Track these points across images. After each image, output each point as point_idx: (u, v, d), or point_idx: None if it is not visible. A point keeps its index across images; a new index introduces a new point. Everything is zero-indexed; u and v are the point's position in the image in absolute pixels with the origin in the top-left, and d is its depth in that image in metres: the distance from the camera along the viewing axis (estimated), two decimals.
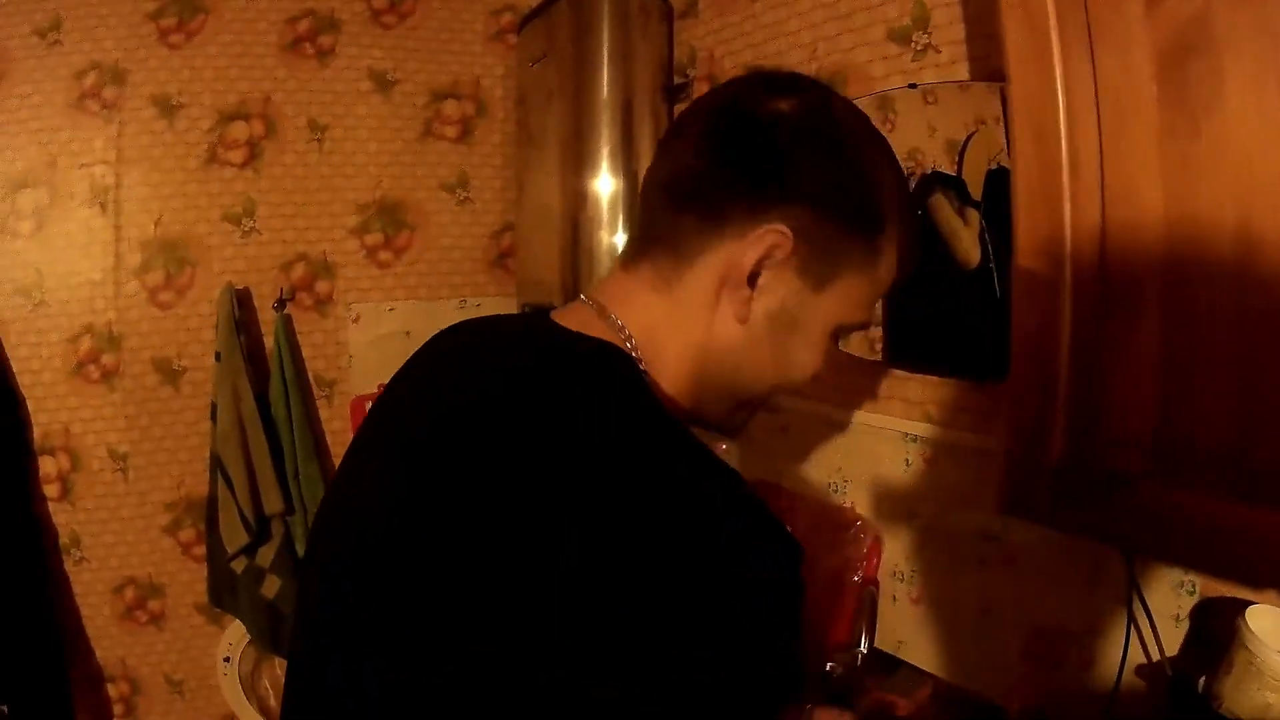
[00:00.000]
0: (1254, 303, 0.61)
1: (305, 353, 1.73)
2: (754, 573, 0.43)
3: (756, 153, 0.51)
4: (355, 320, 1.74)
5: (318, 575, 0.52)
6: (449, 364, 0.54)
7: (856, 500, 1.24)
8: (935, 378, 1.11)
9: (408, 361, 0.58)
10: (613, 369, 0.48)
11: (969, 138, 1.03)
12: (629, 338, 0.51)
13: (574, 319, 0.53)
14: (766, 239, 0.49)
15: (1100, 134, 0.70)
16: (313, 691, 0.50)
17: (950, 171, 1.05)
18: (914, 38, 1.12)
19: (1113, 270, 0.70)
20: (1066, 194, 0.72)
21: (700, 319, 0.52)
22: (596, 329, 0.51)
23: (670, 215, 0.52)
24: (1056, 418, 0.75)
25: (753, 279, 0.50)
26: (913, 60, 1.13)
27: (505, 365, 0.49)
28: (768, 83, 0.54)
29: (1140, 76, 0.66)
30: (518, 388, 0.46)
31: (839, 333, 0.56)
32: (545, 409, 0.44)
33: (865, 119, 0.56)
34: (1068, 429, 0.75)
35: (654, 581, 0.39)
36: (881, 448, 1.19)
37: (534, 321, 0.56)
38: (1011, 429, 0.81)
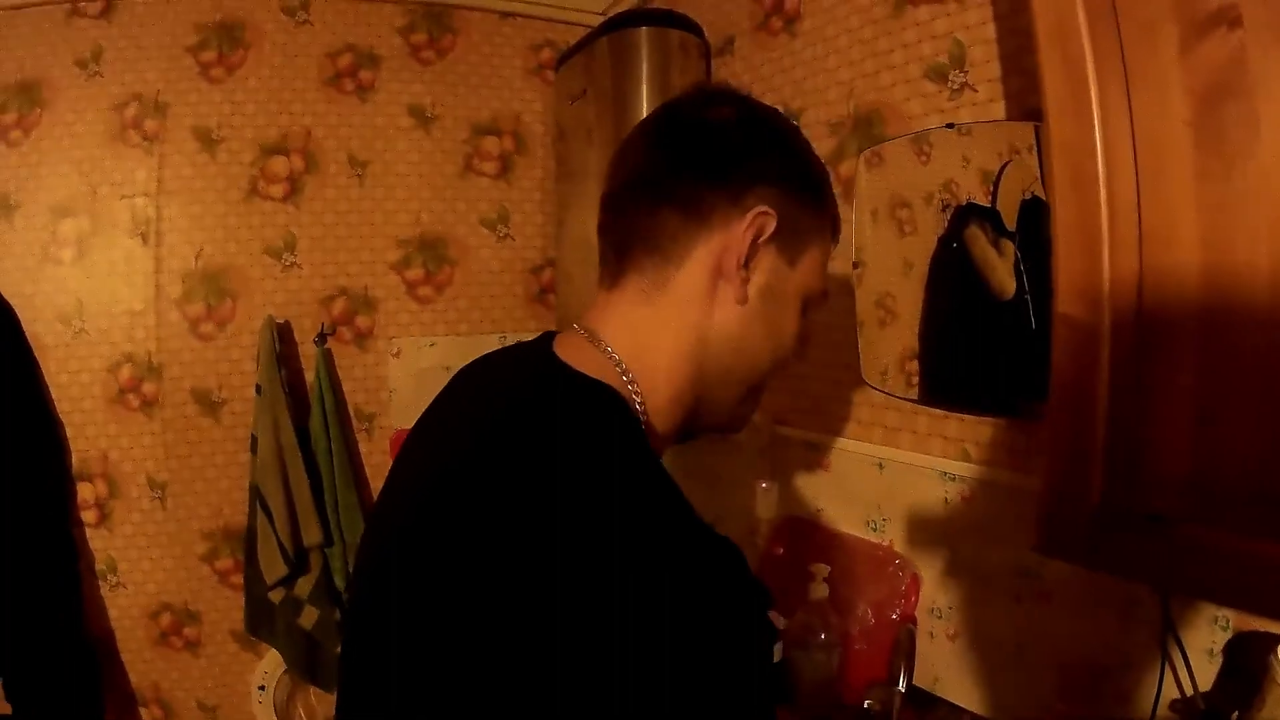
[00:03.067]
0: None
1: (346, 386, 1.75)
2: (722, 626, 0.43)
3: (718, 147, 0.55)
4: (396, 355, 1.76)
5: (349, 611, 0.56)
6: (454, 408, 0.57)
7: (895, 538, 1.25)
8: (972, 416, 1.12)
9: (433, 400, 0.61)
10: (597, 418, 0.49)
11: (1003, 168, 1.04)
12: (618, 362, 0.53)
13: (569, 349, 0.55)
14: (758, 221, 0.54)
15: (1137, 178, 0.70)
16: None
17: (985, 203, 1.06)
18: (950, 76, 1.14)
19: (1150, 314, 0.71)
20: (1105, 238, 0.73)
21: (697, 312, 0.54)
22: (588, 356, 0.53)
23: (650, 219, 0.55)
24: (1094, 458, 0.76)
25: (747, 261, 0.54)
26: (949, 99, 1.14)
27: (498, 413, 0.51)
28: (699, 95, 0.60)
29: (1176, 120, 0.67)
30: (504, 445, 0.48)
31: (808, 303, 0.61)
32: (526, 469, 0.45)
33: (784, 116, 0.64)
34: (1105, 469, 0.75)
35: (615, 634, 0.40)
36: (920, 485, 1.20)
37: (535, 358, 0.57)
38: (1049, 469, 0.82)
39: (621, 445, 0.48)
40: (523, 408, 0.50)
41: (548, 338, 0.58)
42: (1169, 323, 0.69)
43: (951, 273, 1.16)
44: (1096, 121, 0.72)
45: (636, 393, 0.53)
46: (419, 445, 0.56)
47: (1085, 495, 0.76)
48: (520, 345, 0.61)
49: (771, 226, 0.54)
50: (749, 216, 0.53)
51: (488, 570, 0.42)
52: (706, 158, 0.55)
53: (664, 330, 0.54)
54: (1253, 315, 0.63)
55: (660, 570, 0.41)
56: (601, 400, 0.50)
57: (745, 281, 0.54)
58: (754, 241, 0.54)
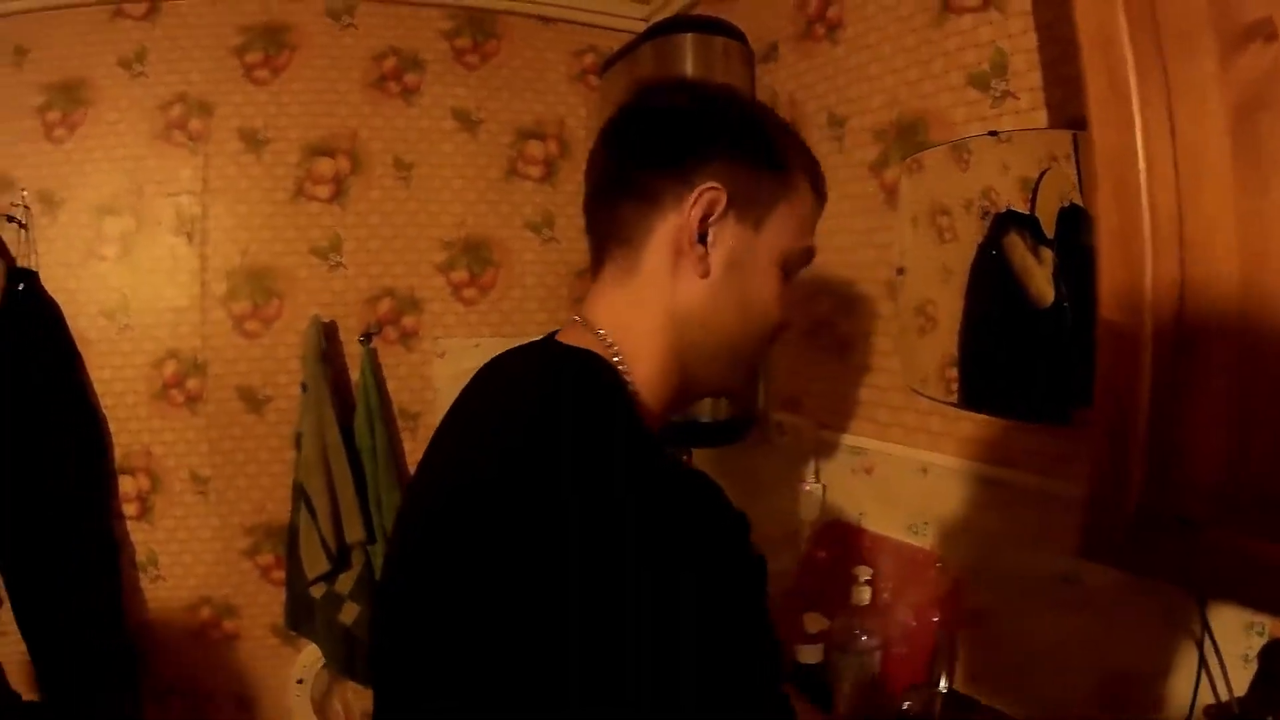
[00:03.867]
0: None
1: (390, 386, 1.77)
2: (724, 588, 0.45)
3: (666, 133, 0.59)
4: (441, 355, 1.78)
5: (379, 600, 0.60)
6: (471, 398, 0.61)
7: (937, 542, 1.26)
8: (1011, 421, 1.13)
9: (456, 397, 0.64)
10: (582, 380, 0.54)
11: (1041, 176, 1.05)
12: (610, 344, 0.57)
13: (567, 335, 0.60)
14: (705, 197, 0.56)
15: (1178, 186, 0.72)
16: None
17: (1023, 210, 1.07)
18: (992, 84, 1.15)
19: (1189, 321, 0.72)
20: (1148, 247, 0.74)
21: (664, 290, 0.58)
22: (581, 337, 0.58)
23: (611, 214, 0.60)
24: (1135, 464, 0.77)
25: (703, 237, 0.57)
26: (992, 106, 1.15)
27: (505, 395, 0.57)
28: (648, 88, 0.64)
29: (1215, 131, 0.68)
30: (510, 421, 0.52)
31: (787, 265, 0.62)
32: (527, 440, 0.49)
33: (733, 87, 0.66)
34: (1145, 475, 0.76)
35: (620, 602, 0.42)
36: (961, 490, 1.21)
37: (540, 345, 0.61)
38: (1092, 474, 0.82)
39: (604, 401, 0.52)
40: (523, 385, 0.56)
41: (553, 332, 0.63)
42: (1207, 330, 0.71)
43: (991, 280, 1.17)
44: (1138, 130, 0.73)
45: (623, 366, 0.56)
46: (441, 437, 0.61)
47: (1126, 500, 0.77)
48: (530, 342, 0.64)
49: (722, 200, 0.56)
50: (695, 194, 0.56)
51: (501, 549, 0.44)
52: (653, 146, 0.58)
53: (639, 309, 0.58)
54: None
55: (636, 511, 0.44)
56: (587, 364, 0.55)
57: (704, 257, 0.57)
58: (704, 218, 0.56)
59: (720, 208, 0.57)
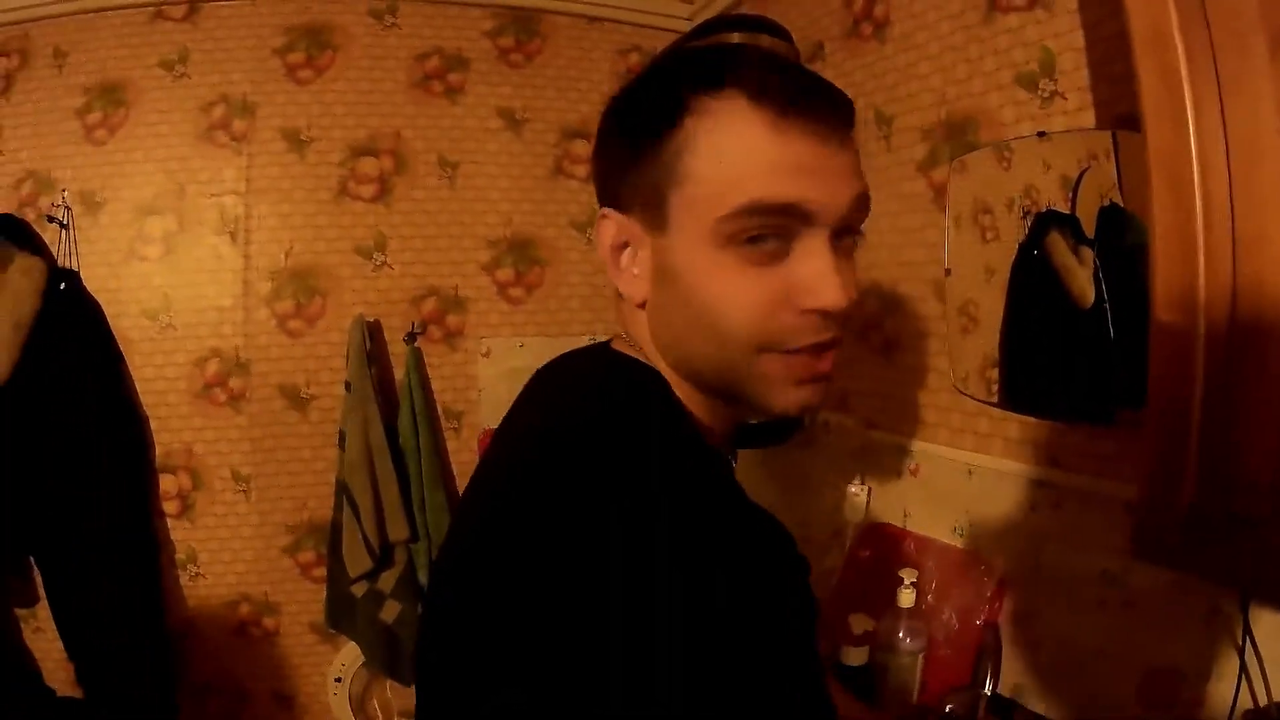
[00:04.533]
0: None
1: (435, 385, 1.77)
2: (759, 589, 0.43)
3: (597, 169, 0.55)
4: (485, 355, 1.78)
5: (426, 604, 0.57)
6: (527, 402, 0.59)
7: (981, 544, 1.26)
8: (1056, 422, 1.13)
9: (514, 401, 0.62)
10: (649, 403, 0.50)
11: (1081, 175, 1.05)
12: (640, 352, 0.54)
13: (620, 343, 0.57)
14: (600, 228, 0.52)
15: (1231, 184, 0.71)
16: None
17: (1064, 209, 1.07)
18: (1040, 84, 1.15)
19: (1242, 319, 0.71)
20: (1201, 245, 0.73)
21: (629, 315, 0.54)
22: (629, 347, 0.55)
23: None
24: (1188, 463, 0.77)
25: (614, 270, 0.52)
26: (1040, 107, 1.15)
27: (563, 408, 0.53)
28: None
29: (1267, 128, 0.68)
30: (563, 425, 0.50)
31: (737, 237, 0.47)
32: (594, 452, 0.46)
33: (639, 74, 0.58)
34: (1198, 474, 0.76)
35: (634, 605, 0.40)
36: (1006, 491, 1.21)
37: (596, 350, 0.59)
38: (1145, 474, 0.82)
39: (663, 422, 0.49)
40: (582, 393, 0.53)
41: (609, 339, 0.60)
42: (1260, 329, 0.71)
43: (1032, 280, 1.17)
44: (1191, 128, 0.73)
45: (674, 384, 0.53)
46: (498, 440, 0.58)
47: (1179, 499, 0.78)
48: (587, 346, 0.62)
49: (612, 227, 0.51)
50: (598, 223, 0.53)
51: (546, 552, 0.42)
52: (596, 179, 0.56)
53: (634, 329, 0.55)
54: None
55: (698, 545, 0.41)
56: (644, 377, 0.52)
57: (633, 280, 0.52)
58: (607, 250, 0.52)
59: (615, 234, 0.51)
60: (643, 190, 0.49)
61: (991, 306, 1.20)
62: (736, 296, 0.47)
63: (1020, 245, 1.18)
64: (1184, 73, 0.74)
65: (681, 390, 0.52)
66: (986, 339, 1.22)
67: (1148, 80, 0.77)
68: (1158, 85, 0.76)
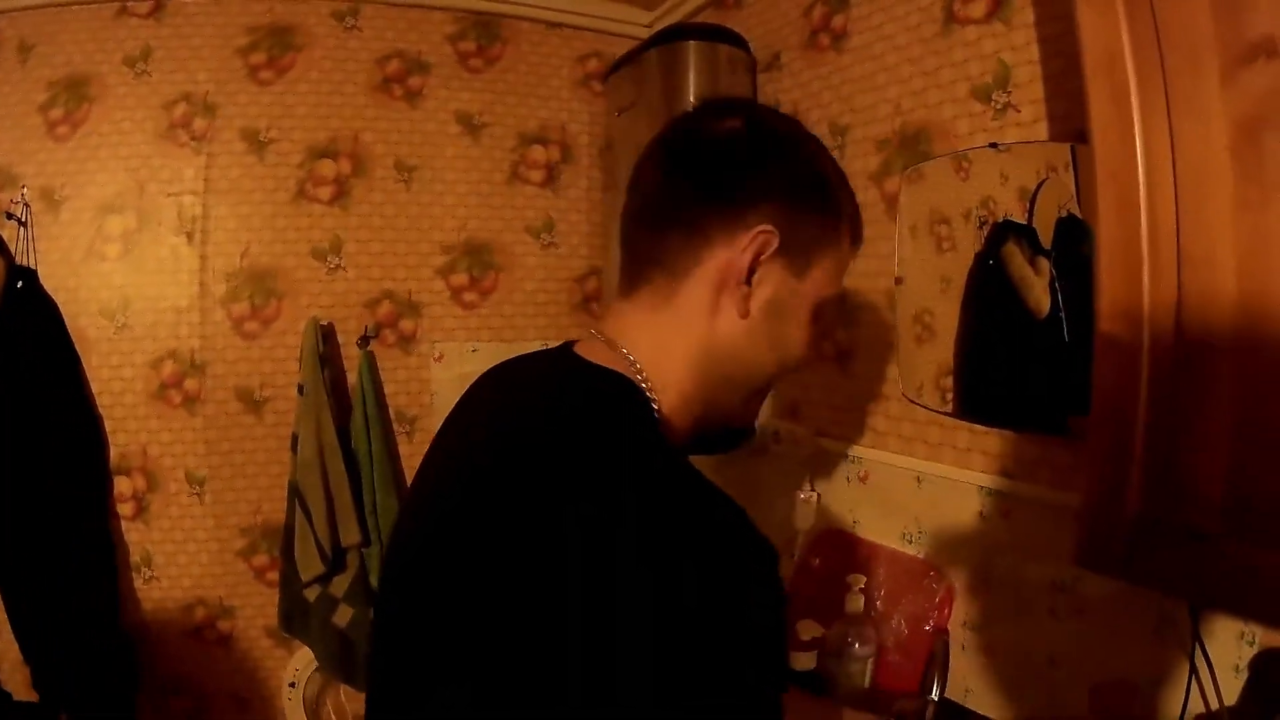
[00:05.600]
0: None
1: (388, 389, 1.76)
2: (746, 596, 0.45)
3: (721, 167, 0.57)
4: (439, 359, 1.78)
5: (379, 602, 0.61)
6: (478, 404, 0.61)
7: (931, 551, 1.26)
8: (1008, 431, 1.13)
9: (457, 402, 0.64)
10: (619, 409, 0.53)
11: (1039, 186, 1.05)
12: (636, 366, 0.56)
13: (589, 350, 0.58)
14: (759, 239, 0.56)
15: (1178, 203, 0.72)
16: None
17: (1022, 220, 1.08)
18: (994, 96, 1.15)
19: (1188, 334, 0.73)
20: (1145, 260, 0.75)
21: (701, 323, 0.57)
22: (606, 356, 0.57)
23: (656, 241, 0.58)
24: (1133, 473, 0.78)
25: (749, 277, 0.56)
26: (993, 119, 1.16)
27: (521, 403, 0.56)
28: (709, 108, 0.62)
29: (1216, 147, 0.69)
30: (527, 428, 0.52)
31: (820, 310, 0.62)
32: (545, 449, 0.49)
33: (796, 121, 0.65)
34: (1144, 485, 0.77)
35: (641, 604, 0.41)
36: (957, 499, 1.21)
37: (557, 357, 0.61)
38: (1090, 482, 0.83)
39: (633, 424, 0.52)
40: (545, 396, 0.55)
41: (569, 343, 0.61)
42: (1207, 344, 0.71)
43: (988, 290, 1.17)
44: (1139, 146, 0.74)
45: (650, 390, 0.55)
46: (444, 442, 0.60)
47: (1124, 509, 0.78)
48: (543, 350, 0.64)
49: (774, 244, 0.56)
50: (750, 235, 0.55)
51: (507, 550, 0.44)
52: (708, 178, 0.57)
53: (674, 339, 0.57)
54: None
55: (672, 544, 0.43)
56: (617, 385, 0.54)
57: (747, 297, 0.57)
58: (755, 259, 0.56)
59: (771, 250, 0.56)
60: (798, 238, 0.58)
61: (947, 316, 1.21)
62: (806, 343, 0.62)
63: (977, 255, 1.18)
64: (1134, 92, 0.75)
65: (666, 397, 0.57)
66: (942, 349, 1.23)
67: (1097, 97, 0.78)
68: (1107, 104, 0.77)
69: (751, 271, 0.56)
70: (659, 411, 0.56)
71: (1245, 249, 0.68)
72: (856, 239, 0.64)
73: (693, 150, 0.59)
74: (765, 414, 1.59)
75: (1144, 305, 0.75)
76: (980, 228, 1.17)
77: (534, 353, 0.64)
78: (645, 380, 0.56)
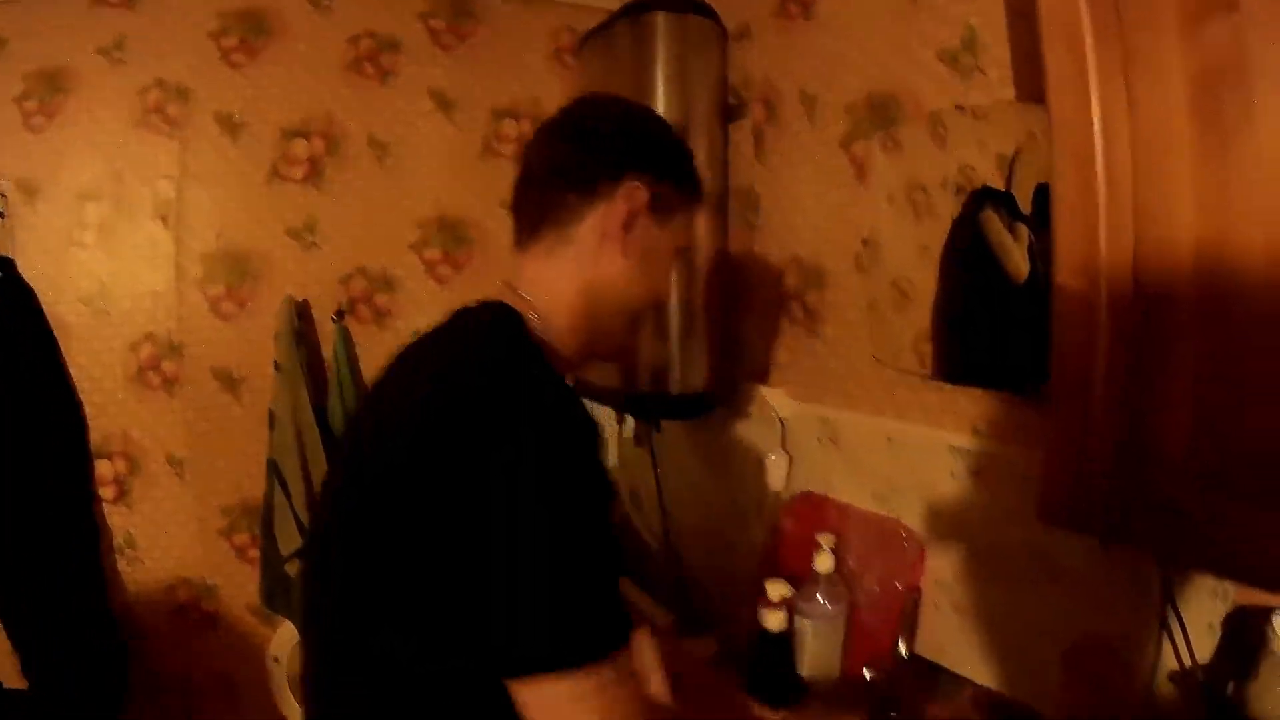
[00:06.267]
0: None
1: (364, 364, 1.77)
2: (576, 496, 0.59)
3: (602, 140, 0.74)
4: (414, 334, 1.77)
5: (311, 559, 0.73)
6: (401, 366, 0.76)
7: (903, 511, 1.27)
8: (984, 391, 1.14)
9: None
10: (500, 328, 0.69)
11: (1017, 153, 1.05)
12: (530, 301, 0.72)
13: (496, 296, 0.75)
14: (635, 194, 0.72)
15: (1135, 157, 0.74)
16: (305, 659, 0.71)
17: (1000, 187, 1.08)
18: (962, 60, 1.16)
19: (1147, 287, 0.74)
20: (1102, 214, 0.76)
21: (589, 266, 0.72)
22: (506, 297, 0.73)
23: (555, 200, 0.73)
24: (1095, 427, 0.79)
25: (626, 227, 0.72)
26: (961, 82, 1.16)
27: (434, 362, 0.70)
28: (593, 102, 0.80)
29: (1175, 100, 0.69)
30: (429, 355, 0.71)
31: (677, 254, 0.80)
32: (467, 407, 0.60)
33: (650, 109, 0.87)
34: (1106, 438, 0.78)
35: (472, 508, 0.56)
36: (929, 460, 1.21)
37: (469, 306, 0.76)
38: (1052, 435, 0.85)
39: (518, 354, 0.66)
40: (448, 329, 0.73)
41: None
42: (1166, 297, 0.72)
43: (967, 256, 1.18)
44: (1095, 103, 0.75)
45: (541, 321, 0.71)
46: (371, 402, 0.76)
47: (1087, 463, 0.79)
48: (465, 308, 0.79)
49: (644, 198, 0.72)
50: (626, 193, 0.71)
51: (442, 493, 0.57)
52: (592, 150, 0.73)
53: (565, 280, 0.72)
54: (1248, 290, 0.66)
55: (561, 472, 0.58)
56: (498, 313, 0.71)
57: (626, 243, 0.73)
58: (631, 212, 0.72)
59: (641, 204, 0.72)
60: (662, 196, 0.75)
61: (925, 283, 1.21)
62: (668, 278, 0.81)
63: (955, 222, 1.18)
64: (1090, 46, 0.75)
65: (558, 324, 0.73)
66: (920, 314, 1.23)
67: (1052, 52, 0.79)
68: (1063, 57, 0.78)
69: (629, 222, 0.72)
70: (550, 334, 0.72)
71: (1205, 200, 0.69)
72: (699, 195, 0.82)
73: (578, 129, 0.75)
74: (737, 378, 1.60)
75: (1101, 258, 0.76)
76: (958, 194, 1.18)
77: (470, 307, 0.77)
78: (536, 312, 0.71)
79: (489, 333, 0.69)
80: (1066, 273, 0.80)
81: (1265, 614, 0.76)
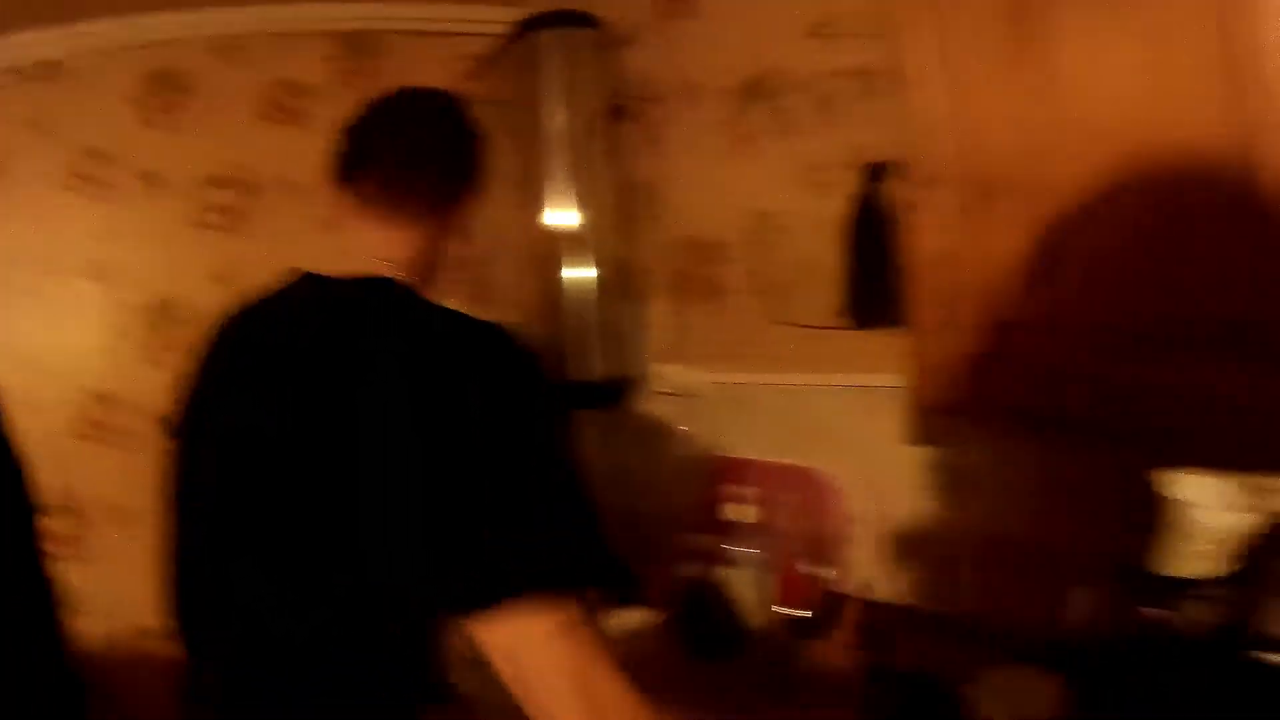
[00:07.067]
0: (1100, 197, 0.74)
1: None
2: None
3: (454, 148, 0.96)
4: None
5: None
6: (276, 334, 0.88)
7: (815, 458, 1.34)
8: (885, 334, 1.20)
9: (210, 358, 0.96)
10: (396, 290, 0.80)
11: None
12: (397, 269, 0.84)
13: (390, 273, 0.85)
14: (474, 188, 0.94)
15: (953, 78, 0.87)
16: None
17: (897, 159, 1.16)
18: (826, 31, 1.28)
19: (975, 186, 0.86)
20: (935, 129, 0.89)
21: (440, 241, 0.90)
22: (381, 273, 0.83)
23: (409, 194, 0.88)
24: (954, 318, 0.89)
25: (460, 209, 0.90)
26: (830, 54, 1.28)
27: (335, 317, 0.82)
28: (426, 95, 1.01)
29: (985, 21, 0.83)
30: (364, 332, 0.78)
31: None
32: (400, 342, 0.74)
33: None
34: (960, 320, 0.88)
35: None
36: (831, 403, 1.30)
37: (333, 285, 0.88)
38: (915, 337, 0.95)
39: (417, 300, 0.80)
40: (343, 305, 0.82)
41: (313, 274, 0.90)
42: (992, 193, 0.84)
43: (866, 225, 1.26)
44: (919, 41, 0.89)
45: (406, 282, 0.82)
46: (241, 380, 0.88)
47: (954, 345, 0.88)
48: (284, 288, 0.96)
49: (469, 193, 0.90)
50: (466, 187, 0.90)
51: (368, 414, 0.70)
52: (448, 156, 0.91)
53: (416, 251, 0.87)
54: (1061, 170, 0.77)
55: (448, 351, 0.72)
56: (389, 278, 0.82)
57: (461, 223, 0.90)
58: (468, 198, 0.90)
59: (468, 196, 0.90)
60: (478, 189, 0.94)
61: (830, 253, 1.30)
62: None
63: (856, 197, 1.26)
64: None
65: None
66: (826, 277, 1.31)
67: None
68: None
69: (464, 204, 0.90)
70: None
71: (1019, 111, 0.81)
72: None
73: (437, 133, 0.93)
74: (644, 361, 1.66)
75: (940, 172, 0.88)
76: (860, 170, 1.25)
77: (280, 291, 0.92)
78: (407, 279, 0.83)
79: (410, 292, 0.81)
80: (917, 187, 0.92)
81: (1169, 482, 0.79)
